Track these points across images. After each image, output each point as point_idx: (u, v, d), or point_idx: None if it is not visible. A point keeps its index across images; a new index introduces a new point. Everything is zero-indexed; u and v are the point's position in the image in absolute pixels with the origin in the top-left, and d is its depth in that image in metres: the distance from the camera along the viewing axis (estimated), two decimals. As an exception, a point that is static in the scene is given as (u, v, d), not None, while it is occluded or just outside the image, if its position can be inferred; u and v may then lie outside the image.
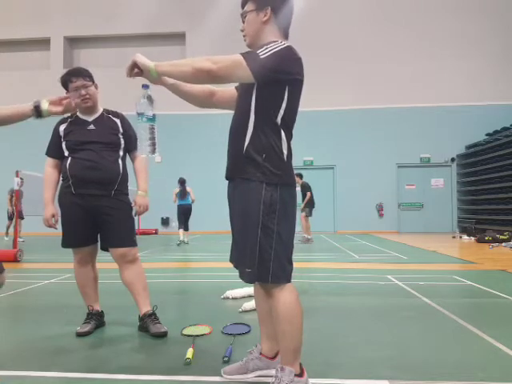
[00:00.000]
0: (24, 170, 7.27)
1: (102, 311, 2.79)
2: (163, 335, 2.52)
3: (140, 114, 1.70)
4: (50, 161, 2.68)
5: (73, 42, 14.90)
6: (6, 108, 1.74)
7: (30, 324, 2.89)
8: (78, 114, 2.69)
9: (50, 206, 2.62)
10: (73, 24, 14.36)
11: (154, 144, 1.72)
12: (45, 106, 1.77)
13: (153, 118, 1.72)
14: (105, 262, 3.44)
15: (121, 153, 2.71)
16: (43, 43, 14.49)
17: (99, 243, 2.72)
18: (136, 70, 1.66)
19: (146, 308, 2.65)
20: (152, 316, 2.62)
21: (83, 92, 2.57)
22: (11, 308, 3.29)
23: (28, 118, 1.78)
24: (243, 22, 1.77)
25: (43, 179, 2.67)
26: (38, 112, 1.77)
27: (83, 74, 2.59)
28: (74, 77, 2.56)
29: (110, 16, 13.96)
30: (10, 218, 10.02)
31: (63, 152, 2.62)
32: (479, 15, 13.11)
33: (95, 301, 2.77)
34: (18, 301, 3.60)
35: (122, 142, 2.70)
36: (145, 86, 1.72)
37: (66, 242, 2.67)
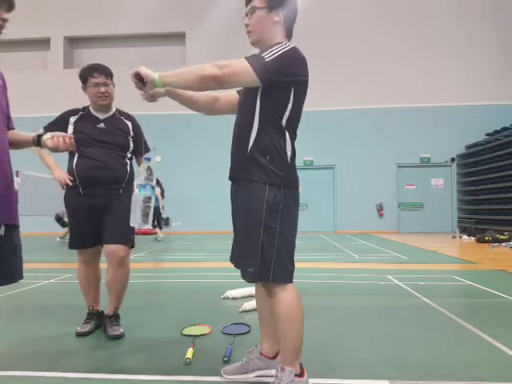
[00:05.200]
0: (24, 170, 7.27)
1: (102, 311, 2.79)
2: (118, 338, 2.52)
3: (140, 185, 1.78)
4: None
5: (73, 42, 14.88)
6: (20, 134, 1.85)
7: (30, 324, 2.89)
8: (90, 109, 2.67)
9: (58, 168, 2.55)
10: (73, 24, 14.33)
11: (147, 215, 1.76)
12: (45, 137, 1.81)
13: (150, 189, 1.77)
14: (105, 261, 3.43)
15: (129, 154, 2.70)
16: (43, 43, 14.46)
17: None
18: (137, 81, 1.62)
19: (111, 308, 2.67)
20: (112, 318, 2.64)
21: (103, 89, 2.55)
22: (11, 308, 3.29)
23: (31, 146, 1.86)
24: (247, 16, 1.71)
25: (40, 156, 2.59)
26: (38, 141, 1.83)
27: (106, 71, 2.58)
28: (97, 73, 2.54)
29: (110, 16, 13.94)
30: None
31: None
32: (479, 15, 13.09)
33: (96, 301, 2.78)
34: (18, 301, 3.60)
35: (132, 144, 2.69)
36: (147, 159, 1.81)
37: (74, 243, 2.67)
